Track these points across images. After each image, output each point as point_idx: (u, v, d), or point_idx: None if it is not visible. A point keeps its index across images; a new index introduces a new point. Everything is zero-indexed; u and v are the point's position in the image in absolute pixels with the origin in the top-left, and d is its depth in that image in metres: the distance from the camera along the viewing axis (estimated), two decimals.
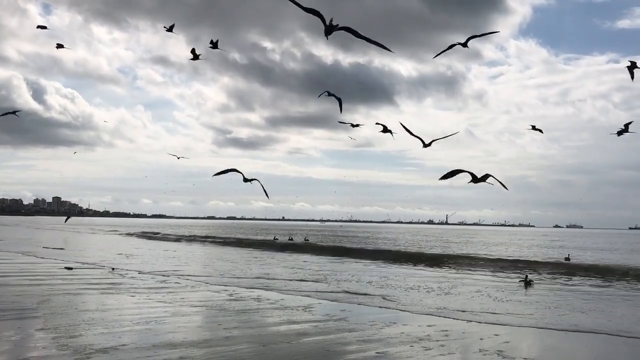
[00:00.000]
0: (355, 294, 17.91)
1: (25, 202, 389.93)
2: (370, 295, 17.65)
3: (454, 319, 13.50)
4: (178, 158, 23.15)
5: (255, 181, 10.72)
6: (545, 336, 11.90)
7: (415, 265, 29.78)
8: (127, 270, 23.68)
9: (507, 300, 17.46)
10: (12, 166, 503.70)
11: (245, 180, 10.63)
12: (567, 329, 12.66)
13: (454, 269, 24.96)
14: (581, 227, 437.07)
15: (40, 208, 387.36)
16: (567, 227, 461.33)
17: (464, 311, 14.78)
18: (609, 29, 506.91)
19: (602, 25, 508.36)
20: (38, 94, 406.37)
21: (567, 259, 38.45)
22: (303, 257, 36.47)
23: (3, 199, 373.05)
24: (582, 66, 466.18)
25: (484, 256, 36.95)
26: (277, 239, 60.30)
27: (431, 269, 28.17)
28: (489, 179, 8.78)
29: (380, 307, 15.18)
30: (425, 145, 11.54)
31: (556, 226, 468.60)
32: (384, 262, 32.74)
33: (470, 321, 13.20)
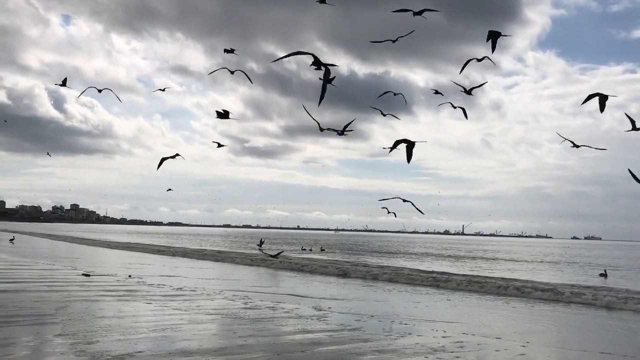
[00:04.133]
0: (370, 315, 17.82)
1: (44, 209, 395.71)
2: (382, 310, 17.58)
3: (469, 332, 13.38)
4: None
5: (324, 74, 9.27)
6: (562, 353, 11.76)
7: (430, 287, 29.57)
8: (143, 277, 23.86)
9: (526, 318, 17.28)
10: (32, 173, 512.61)
11: (319, 66, 9.29)
12: (587, 349, 12.49)
13: (475, 291, 24.42)
14: (599, 239, 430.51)
15: (58, 215, 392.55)
16: (585, 238, 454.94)
17: (480, 325, 14.68)
18: (625, 38, 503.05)
19: (617, 35, 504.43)
20: (58, 102, 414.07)
21: (603, 274, 35.42)
22: (317, 272, 36.37)
23: (22, 205, 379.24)
24: (598, 76, 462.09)
25: (511, 277, 35.46)
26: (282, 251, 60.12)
27: (448, 291, 27.96)
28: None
29: (394, 318, 15.12)
30: (467, 92, 11.52)
31: (574, 238, 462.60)
32: (396, 283, 32.56)
33: (486, 335, 13.10)
